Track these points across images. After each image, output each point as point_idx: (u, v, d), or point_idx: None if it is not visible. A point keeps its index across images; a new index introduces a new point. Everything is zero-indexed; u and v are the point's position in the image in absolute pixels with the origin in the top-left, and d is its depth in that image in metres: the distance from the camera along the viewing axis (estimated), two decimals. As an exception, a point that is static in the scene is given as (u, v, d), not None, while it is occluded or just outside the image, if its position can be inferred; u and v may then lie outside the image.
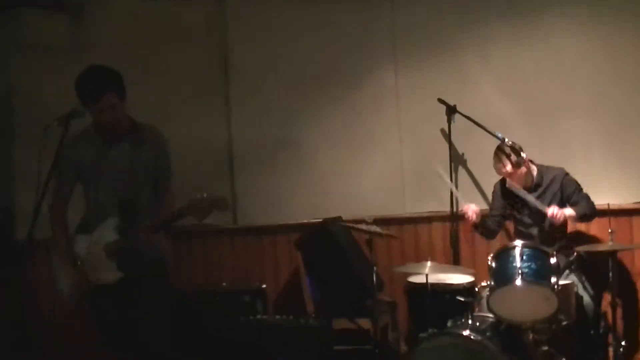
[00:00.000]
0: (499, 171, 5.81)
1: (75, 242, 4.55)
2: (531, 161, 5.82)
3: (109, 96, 4.36)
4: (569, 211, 5.56)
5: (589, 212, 5.66)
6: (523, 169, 5.71)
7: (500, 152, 5.75)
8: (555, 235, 5.70)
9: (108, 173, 4.52)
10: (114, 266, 4.41)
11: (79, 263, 4.47)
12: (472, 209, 5.85)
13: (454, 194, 6.10)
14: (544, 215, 5.62)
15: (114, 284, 4.41)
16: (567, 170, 5.82)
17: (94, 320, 4.64)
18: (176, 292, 5.93)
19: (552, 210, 5.51)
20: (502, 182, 5.96)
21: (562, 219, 5.52)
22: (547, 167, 5.87)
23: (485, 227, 5.96)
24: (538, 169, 5.85)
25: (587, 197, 5.72)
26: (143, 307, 4.49)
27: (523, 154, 5.68)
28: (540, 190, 5.77)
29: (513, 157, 5.66)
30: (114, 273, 4.41)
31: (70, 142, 4.49)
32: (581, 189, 5.75)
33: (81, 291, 4.46)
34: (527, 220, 5.84)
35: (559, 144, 6.23)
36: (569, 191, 5.71)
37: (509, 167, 5.68)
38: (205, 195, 4.30)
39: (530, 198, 5.66)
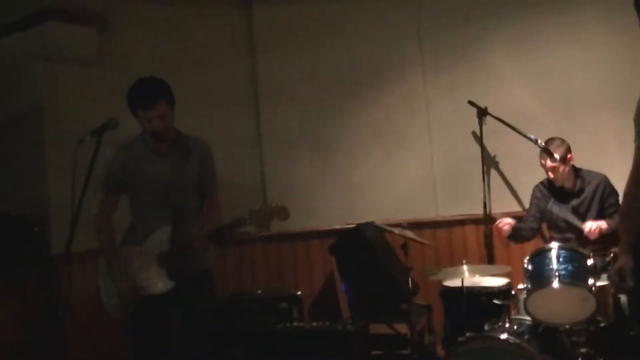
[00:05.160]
0: (544, 164, 5.74)
1: (123, 252, 4.56)
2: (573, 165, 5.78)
3: (161, 104, 4.41)
4: (604, 225, 5.52)
5: None
6: (568, 166, 5.68)
7: (548, 144, 5.71)
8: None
9: (155, 183, 4.54)
10: (165, 276, 4.44)
11: (127, 273, 4.48)
12: (506, 222, 5.81)
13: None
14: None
15: (163, 294, 4.43)
16: (602, 169, 5.78)
17: (135, 332, 4.65)
18: (217, 300, 5.97)
19: (590, 226, 5.50)
20: (542, 184, 5.93)
21: (597, 233, 5.48)
22: (589, 172, 5.81)
23: (519, 235, 5.91)
24: (579, 173, 5.80)
25: None
26: (191, 317, 4.52)
27: (569, 155, 5.68)
28: (582, 196, 5.73)
29: (561, 150, 5.63)
30: (165, 283, 4.43)
31: (117, 152, 4.58)
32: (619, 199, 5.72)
33: (129, 301, 4.47)
34: (562, 225, 5.81)
35: (593, 142, 6.20)
36: (609, 201, 5.66)
37: (556, 158, 5.62)
38: (265, 204, 4.33)
39: (569, 217, 5.63)
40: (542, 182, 5.97)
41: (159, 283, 4.45)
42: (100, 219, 4.63)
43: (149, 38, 6.75)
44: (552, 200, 5.85)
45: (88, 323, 5.81)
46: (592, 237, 5.48)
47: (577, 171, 5.79)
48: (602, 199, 5.68)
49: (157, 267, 4.45)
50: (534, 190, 6.01)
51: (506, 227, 5.78)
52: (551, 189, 5.87)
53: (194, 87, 6.69)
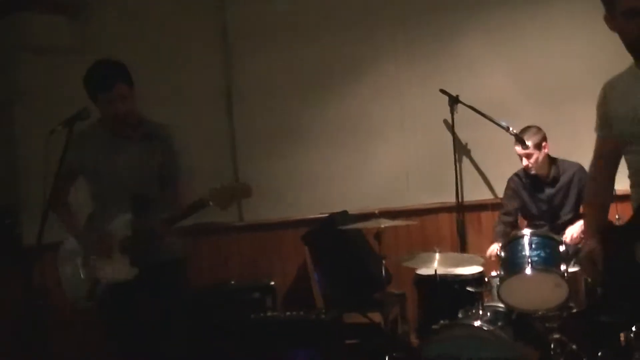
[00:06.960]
0: (519, 150, 5.76)
1: (85, 240, 4.48)
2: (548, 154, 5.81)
3: (120, 86, 4.31)
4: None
5: None
6: (543, 153, 5.70)
7: (524, 132, 5.73)
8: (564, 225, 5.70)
9: (115, 169, 4.44)
10: (127, 263, 4.36)
11: (89, 261, 4.42)
12: (495, 249, 5.72)
13: None
14: (554, 210, 5.64)
15: (127, 282, 4.36)
16: (577, 159, 5.80)
17: (103, 321, 4.61)
18: (190, 290, 5.93)
19: (571, 235, 5.52)
20: (517, 175, 5.94)
21: (579, 238, 5.47)
22: (564, 161, 5.84)
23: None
24: (555, 162, 5.83)
25: None
26: (158, 306, 4.43)
27: (544, 143, 5.71)
28: (557, 185, 5.76)
29: (536, 138, 5.64)
30: (128, 270, 4.35)
31: (75, 137, 4.38)
32: None
33: (92, 290, 4.43)
34: (535, 212, 5.84)
35: (567, 132, 6.20)
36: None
37: (528, 145, 5.65)
38: (226, 183, 4.23)
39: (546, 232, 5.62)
40: (516, 174, 5.98)
41: (122, 270, 4.34)
42: (56, 205, 4.46)
43: (125, 23, 6.70)
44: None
45: (64, 313, 5.76)
46: (575, 242, 5.49)
47: (553, 160, 5.81)
48: (579, 188, 5.70)
49: (119, 255, 4.36)
50: (508, 182, 6.02)
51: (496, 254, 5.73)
52: (526, 178, 5.89)
53: (170, 76, 6.67)
